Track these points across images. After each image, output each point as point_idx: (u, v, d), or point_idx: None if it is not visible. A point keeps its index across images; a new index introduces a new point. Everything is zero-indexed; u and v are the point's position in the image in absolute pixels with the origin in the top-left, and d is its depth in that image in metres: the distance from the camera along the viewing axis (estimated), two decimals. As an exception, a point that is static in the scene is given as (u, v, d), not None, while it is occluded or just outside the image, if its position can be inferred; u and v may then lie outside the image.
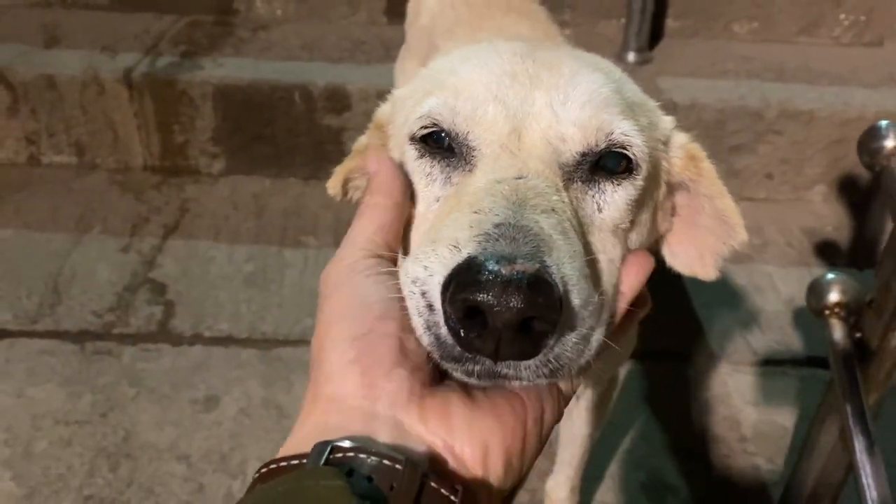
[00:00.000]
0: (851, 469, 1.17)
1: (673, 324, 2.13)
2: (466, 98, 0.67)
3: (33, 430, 1.74)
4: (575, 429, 1.35)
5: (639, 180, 0.69)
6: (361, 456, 0.47)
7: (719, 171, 0.79)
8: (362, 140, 0.85)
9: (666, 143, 0.77)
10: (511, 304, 0.50)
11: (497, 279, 0.50)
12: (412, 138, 0.70)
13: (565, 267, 0.55)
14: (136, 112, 2.63)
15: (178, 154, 2.70)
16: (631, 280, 0.66)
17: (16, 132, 2.68)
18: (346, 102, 2.56)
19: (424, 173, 0.69)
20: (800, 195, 2.70)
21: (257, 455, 1.69)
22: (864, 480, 1.12)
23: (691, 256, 0.81)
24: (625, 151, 0.68)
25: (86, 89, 2.59)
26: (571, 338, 0.55)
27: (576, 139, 0.66)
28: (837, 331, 1.23)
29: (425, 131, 0.69)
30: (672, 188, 0.79)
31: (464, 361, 0.54)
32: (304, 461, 0.48)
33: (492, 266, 0.51)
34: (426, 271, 0.56)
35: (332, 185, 0.85)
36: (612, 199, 0.68)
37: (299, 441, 0.52)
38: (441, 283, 0.54)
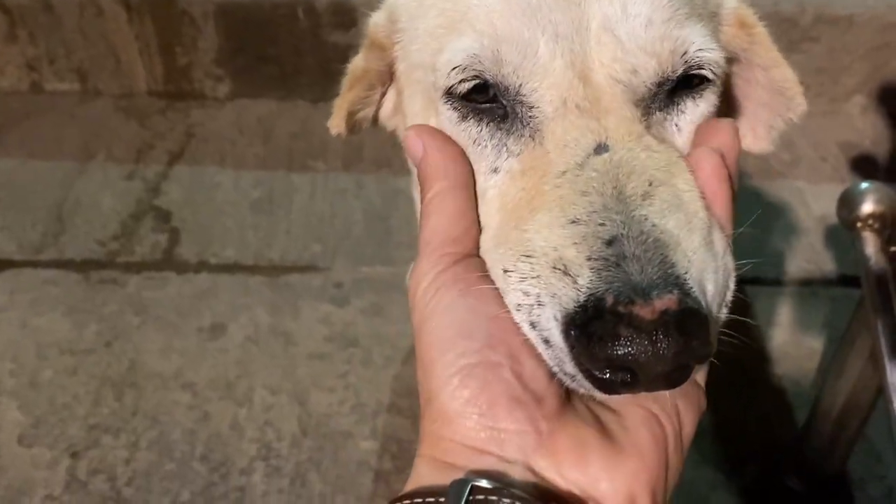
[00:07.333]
0: (881, 391, 1.10)
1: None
2: (510, 41, 0.55)
3: (38, 360, 1.71)
4: None
5: (718, 84, 0.61)
6: (506, 501, 0.44)
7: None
8: (358, 63, 0.74)
9: (717, 12, 0.66)
10: (663, 355, 0.43)
11: (641, 330, 0.43)
12: (449, 93, 0.59)
13: (696, 255, 0.47)
14: (136, 34, 2.52)
15: (182, 77, 2.61)
16: (713, 189, 0.54)
17: (16, 59, 2.60)
18: (353, 17, 2.43)
19: (470, 139, 0.59)
20: (836, 107, 2.54)
21: (263, 382, 1.66)
22: (894, 403, 1.05)
23: (742, 131, 0.71)
24: (702, 72, 0.58)
25: (84, 11, 2.49)
26: (714, 333, 0.48)
27: (649, 70, 0.56)
28: (870, 244, 1.13)
29: (467, 85, 0.57)
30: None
31: None
32: (442, 499, 0.45)
33: (629, 310, 0.44)
34: (529, 298, 0.48)
35: (335, 123, 0.75)
36: (693, 115, 0.59)
37: (425, 476, 0.48)
38: (558, 318, 0.47)
